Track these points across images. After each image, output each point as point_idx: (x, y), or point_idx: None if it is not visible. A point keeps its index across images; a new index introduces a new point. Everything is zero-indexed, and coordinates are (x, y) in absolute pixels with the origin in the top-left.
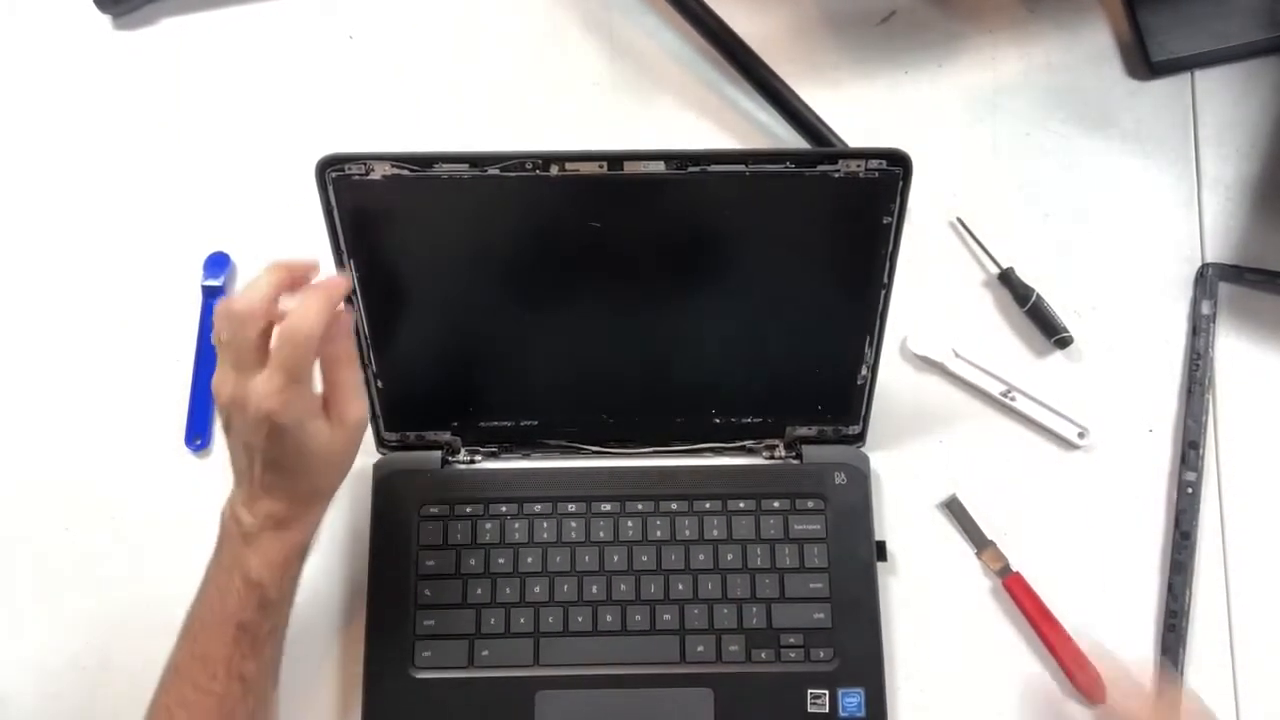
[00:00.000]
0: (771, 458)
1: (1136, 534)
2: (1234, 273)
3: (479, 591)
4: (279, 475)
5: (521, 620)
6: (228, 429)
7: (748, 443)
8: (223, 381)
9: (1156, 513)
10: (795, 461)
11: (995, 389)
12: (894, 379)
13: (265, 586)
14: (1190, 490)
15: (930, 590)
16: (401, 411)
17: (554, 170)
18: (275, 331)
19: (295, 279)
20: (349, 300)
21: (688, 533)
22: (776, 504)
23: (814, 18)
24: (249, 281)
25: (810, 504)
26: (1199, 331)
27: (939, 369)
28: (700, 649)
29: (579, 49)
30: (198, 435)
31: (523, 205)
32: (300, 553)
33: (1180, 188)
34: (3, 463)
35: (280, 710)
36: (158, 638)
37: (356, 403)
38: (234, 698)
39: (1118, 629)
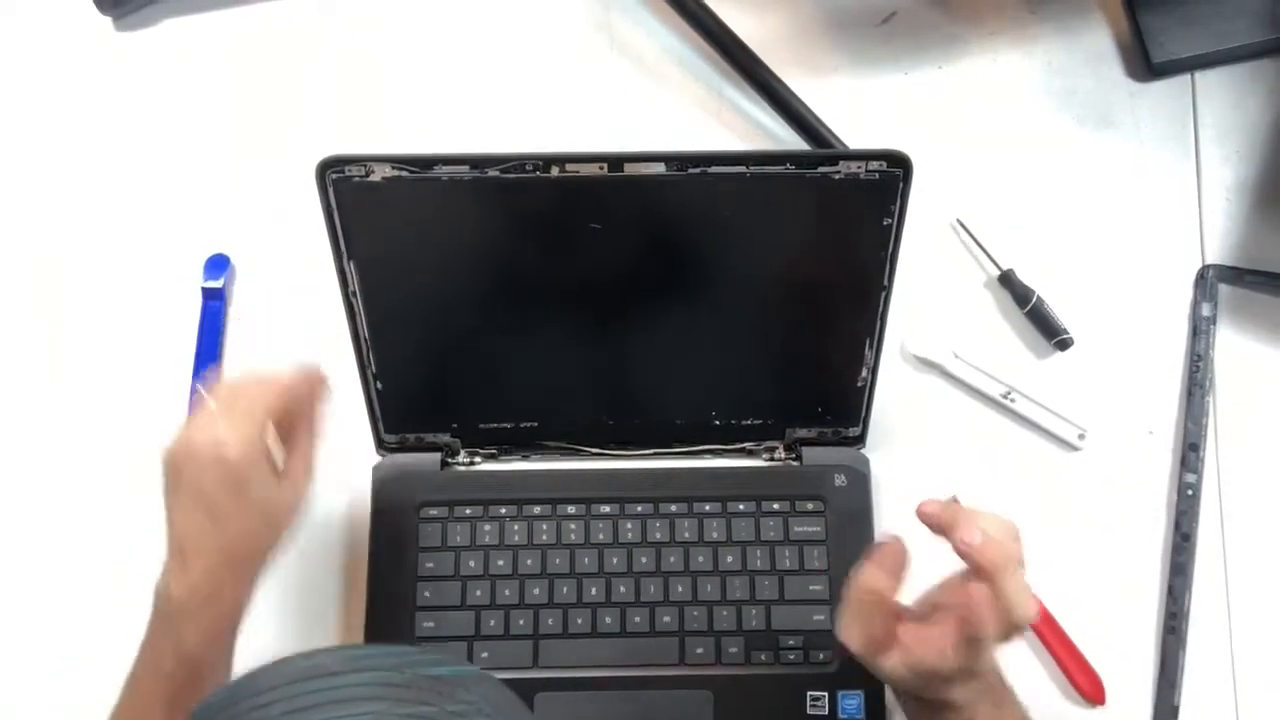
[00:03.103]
0: (771, 459)
1: (1136, 536)
2: (1234, 274)
3: (478, 593)
4: (217, 526)
5: (521, 622)
6: (174, 489)
7: (747, 444)
8: (174, 438)
9: (1157, 515)
10: (795, 463)
11: (995, 391)
12: (894, 381)
13: (200, 660)
14: (1190, 492)
15: None
16: (401, 413)
17: (554, 171)
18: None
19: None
20: (350, 308)
21: (687, 534)
22: (776, 506)
23: (814, 18)
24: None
25: (810, 506)
26: (1199, 333)
27: (939, 370)
28: (700, 651)
29: (579, 49)
30: None
31: (523, 207)
32: (232, 625)
33: (1180, 189)
34: (2, 463)
35: None
36: None
37: (306, 469)
38: None
39: (1117, 631)
